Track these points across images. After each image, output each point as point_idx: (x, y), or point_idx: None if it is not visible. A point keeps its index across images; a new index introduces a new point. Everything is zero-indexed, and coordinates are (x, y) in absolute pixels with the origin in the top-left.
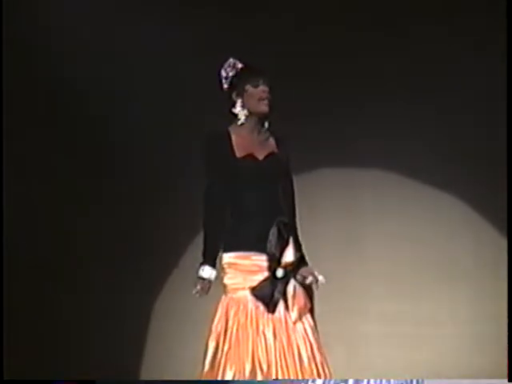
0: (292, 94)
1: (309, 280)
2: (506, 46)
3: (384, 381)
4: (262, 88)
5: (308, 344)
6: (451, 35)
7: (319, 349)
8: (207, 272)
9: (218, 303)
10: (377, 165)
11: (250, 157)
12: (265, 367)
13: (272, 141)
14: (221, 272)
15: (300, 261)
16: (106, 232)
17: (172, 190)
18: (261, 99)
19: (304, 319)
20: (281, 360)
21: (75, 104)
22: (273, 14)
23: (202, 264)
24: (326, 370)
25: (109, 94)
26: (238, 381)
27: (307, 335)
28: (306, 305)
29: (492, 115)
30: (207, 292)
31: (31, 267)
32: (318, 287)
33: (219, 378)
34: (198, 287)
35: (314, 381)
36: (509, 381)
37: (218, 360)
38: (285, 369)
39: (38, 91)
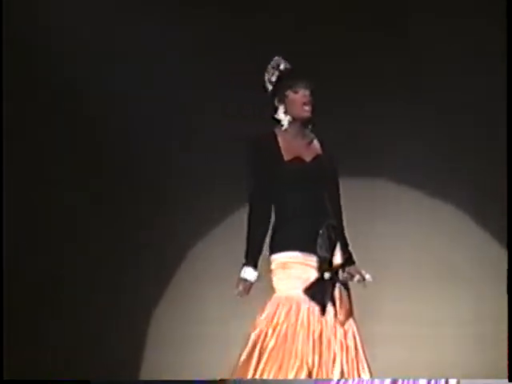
0: None
1: (356, 278)
2: (505, 46)
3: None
4: (303, 93)
5: (350, 346)
6: (451, 35)
7: (361, 351)
8: (249, 273)
9: (266, 302)
10: (376, 165)
11: (298, 159)
12: (311, 367)
13: (316, 143)
14: (268, 273)
15: (346, 261)
16: (106, 232)
17: (172, 189)
18: (303, 105)
19: (349, 322)
20: (320, 362)
21: (75, 104)
22: (273, 14)
23: (245, 265)
24: (366, 373)
25: (109, 94)
26: (228, 380)
27: (349, 338)
28: (350, 307)
29: (492, 115)
30: (248, 293)
31: (31, 267)
32: (365, 286)
33: (257, 373)
34: (240, 288)
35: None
36: (509, 381)
37: (256, 353)
38: (324, 371)
39: (37, 91)
